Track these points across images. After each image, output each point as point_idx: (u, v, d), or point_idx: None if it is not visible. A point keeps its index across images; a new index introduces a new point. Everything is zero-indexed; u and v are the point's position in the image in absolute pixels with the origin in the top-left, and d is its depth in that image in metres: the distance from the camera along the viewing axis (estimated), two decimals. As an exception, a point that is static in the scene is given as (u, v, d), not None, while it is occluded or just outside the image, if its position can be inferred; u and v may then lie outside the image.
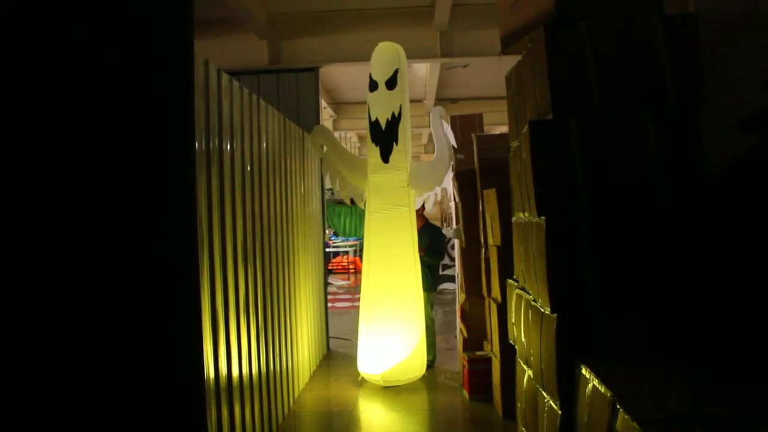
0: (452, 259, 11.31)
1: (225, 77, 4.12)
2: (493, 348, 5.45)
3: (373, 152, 6.39)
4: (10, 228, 2.57)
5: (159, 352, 2.71)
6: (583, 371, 2.57)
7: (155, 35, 2.61)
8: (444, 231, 8.95)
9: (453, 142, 6.67)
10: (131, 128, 2.62)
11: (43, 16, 2.61)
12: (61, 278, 2.63)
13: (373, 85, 6.44)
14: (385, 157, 6.31)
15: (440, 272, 8.86)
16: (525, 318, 3.44)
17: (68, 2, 2.62)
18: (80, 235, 2.64)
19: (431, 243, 7.00)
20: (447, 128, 6.74)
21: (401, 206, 6.32)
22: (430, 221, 7.08)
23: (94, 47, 2.62)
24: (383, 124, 6.32)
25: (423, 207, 6.93)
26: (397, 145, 6.30)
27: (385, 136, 6.33)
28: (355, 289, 12.84)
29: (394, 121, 6.30)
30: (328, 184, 7.22)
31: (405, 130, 6.37)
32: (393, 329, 6.15)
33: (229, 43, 8.26)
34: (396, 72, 6.35)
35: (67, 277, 2.63)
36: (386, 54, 6.47)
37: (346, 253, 17.20)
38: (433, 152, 6.83)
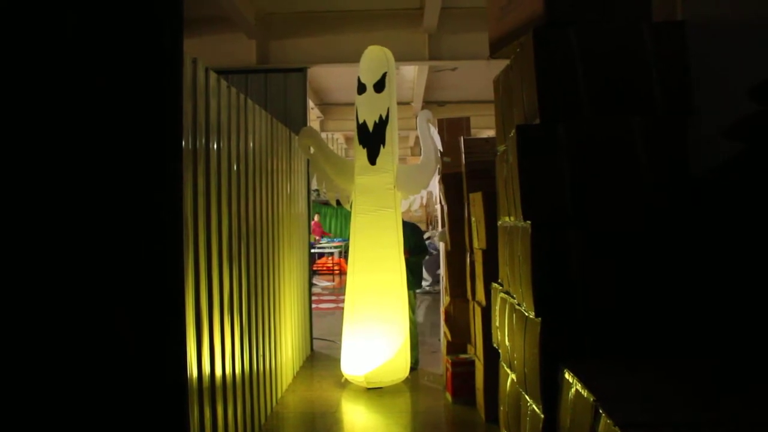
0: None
1: (213, 76, 4.11)
2: (476, 351, 5.46)
3: (361, 154, 6.41)
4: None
5: (142, 351, 2.69)
6: (566, 375, 2.57)
7: (144, 33, 2.60)
8: (429, 233, 8.94)
9: (439, 145, 6.69)
10: (119, 126, 2.61)
11: (31, 15, 2.59)
12: (44, 275, 2.61)
13: (361, 88, 6.47)
14: (372, 159, 6.33)
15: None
16: (509, 322, 3.45)
17: (58, 1, 2.61)
18: (65, 233, 2.63)
19: (412, 241, 7.02)
20: (434, 132, 6.76)
21: (387, 208, 6.33)
22: (405, 220, 7.09)
23: (82, 45, 2.61)
24: (371, 127, 6.34)
25: None
26: (384, 147, 6.31)
27: (372, 139, 6.35)
28: (339, 291, 12.83)
29: (382, 123, 6.32)
30: (314, 185, 7.22)
31: (392, 133, 6.39)
32: (377, 331, 6.15)
33: (217, 42, 8.23)
34: (384, 75, 6.38)
35: (51, 274, 2.62)
36: (375, 57, 6.50)
37: (331, 254, 17.18)
38: (420, 155, 6.84)
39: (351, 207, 6.59)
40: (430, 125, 6.77)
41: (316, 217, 18.18)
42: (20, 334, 2.61)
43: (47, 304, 2.62)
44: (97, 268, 2.65)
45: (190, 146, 3.67)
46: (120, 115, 2.61)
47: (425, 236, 9.73)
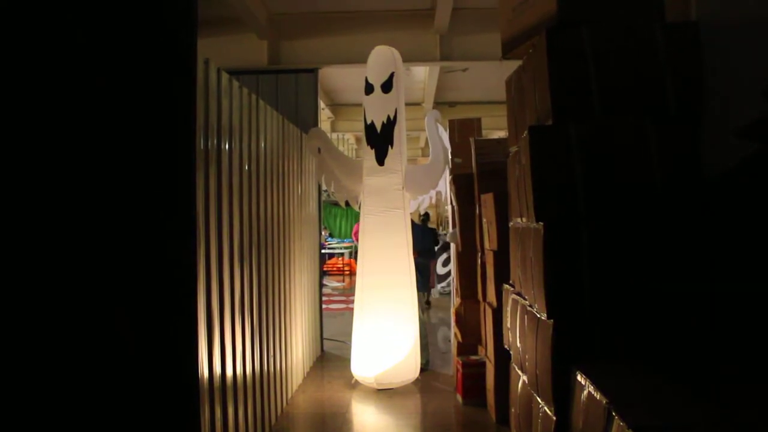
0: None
1: (225, 76, 4.11)
2: (487, 352, 5.45)
3: (369, 155, 6.41)
4: (11, 224, 2.57)
5: (154, 351, 2.70)
6: (579, 377, 2.56)
7: (159, 34, 2.60)
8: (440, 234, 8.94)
9: (448, 145, 6.68)
10: (132, 126, 2.61)
11: (44, 14, 2.60)
12: (58, 276, 2.62)
13: (368, 88, 6.46)
14: (381, 159, 6.32)
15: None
16: (521, 323, 3.44)
17: (71, 1, 2.62)
18: (77, 233, 2.64)
19: (420, 243, 7.02)
20: (442, 132, 6.75)
21: (396, 209, 6.32)
22: (414, 222, 7.08)
23: (95, 47, 2.62)
24: (379, 127, 6.33)
25: None
26: (392, 148, 6.30)
27: (380, 139, 6.34)
28: (349, 291, 12.83)
29: (390, 124, 6.31)
30: (324, 186, 7.23)
31: (400, 133, 6.38)
32: (387, 332, 6.15)
33: (228, 42, 8.25)
34: (392, 75, 6.36)
35: (64, 275, 2.63)
36: (382, 57, 6.48)
37: (341, 254, 17.20)
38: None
39: (360, 208, 6.59)
40: (439, 125, 6.76)
41: None
42: (32, 331, 2.62)
43: (59, 304, 2.63)
44: (109, 268, 2.66)
45: (201, 146, 3.68)
46: (133, 115, 2.61)
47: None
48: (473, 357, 5.91)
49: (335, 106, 14.82)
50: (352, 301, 6.74)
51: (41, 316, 2.62)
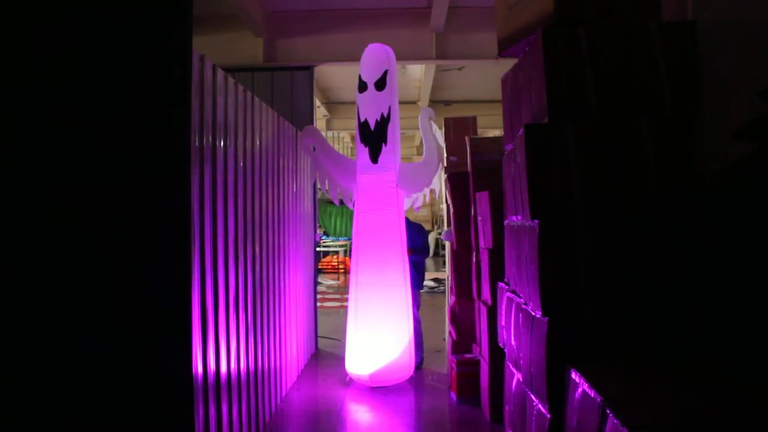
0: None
1: (220, 73, 4.10)
2: (481, 351, 5.45)
3: (363, 153, 6.40)
4: (5, 220, 2.56)
5: (148, 349, 2.69)
6: (573, 375, 2.57)
7: (154, 31, 2.60)
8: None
9: (441, 142, 6.67)
10: (127, 122, 2.61)
11: (41, 9, 2.59)
12: (55, 275, 2.62)
13: (362, 86, 6.45)
14: (374, 157, 6.32)
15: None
16: (515, 321, 3.44)
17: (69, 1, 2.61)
18: (72, 231, 2.63)
19: (418, 240, 7.03)
20: (436, 129, 6.75)
21: (390, 207, 6.32)
22: (410, 220, 7.09)
23: (91, 44, 2.61)
24: (372, 125, 6.32)
25: None
26: (386, 145, 6.30)
27: (374, 137, 6.33)
28: (344, 289, 12.83)
29: (383, 121, 6.30)
30: (319, 184, 7.22)
31: (394, 131, 6.37)
32: (381, 330, 6.15)
33: (224, 39, 8.23)
34: (385, 73, 6.35)
35: (57, 273, 2.62)
36: (376, 55, 6.47)
37: (336, 252, 17.20)
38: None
39: (353, 206, 6.58)
40: (432, 122, 6.75)
41: None
42: (27, 331, 2.61)
43: (52, 304, 2.62)
44: (104, 265, 2.66)
45: (197, 143, 3.67)
46: (128, 111, 2.61)
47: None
48: (468, 355, 5.92)
49: (331, 104, 14.82)
50: (347, 299, 6.74)
51: (40, 314, 2.61)
